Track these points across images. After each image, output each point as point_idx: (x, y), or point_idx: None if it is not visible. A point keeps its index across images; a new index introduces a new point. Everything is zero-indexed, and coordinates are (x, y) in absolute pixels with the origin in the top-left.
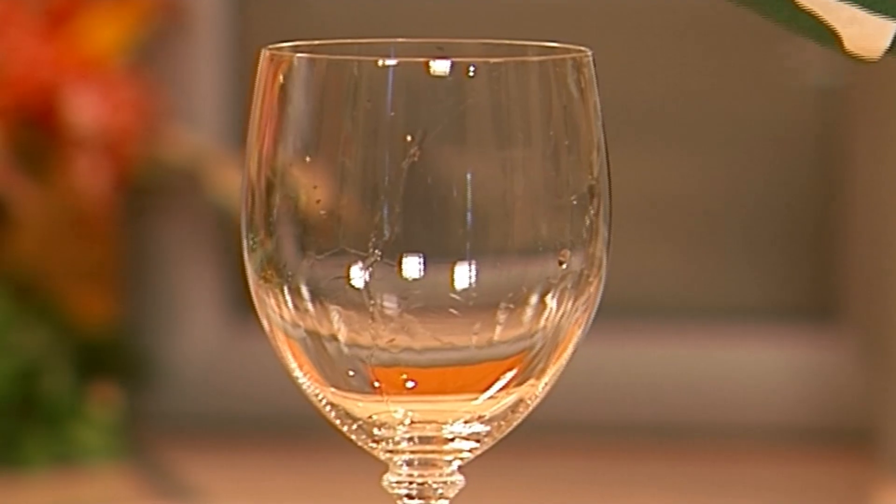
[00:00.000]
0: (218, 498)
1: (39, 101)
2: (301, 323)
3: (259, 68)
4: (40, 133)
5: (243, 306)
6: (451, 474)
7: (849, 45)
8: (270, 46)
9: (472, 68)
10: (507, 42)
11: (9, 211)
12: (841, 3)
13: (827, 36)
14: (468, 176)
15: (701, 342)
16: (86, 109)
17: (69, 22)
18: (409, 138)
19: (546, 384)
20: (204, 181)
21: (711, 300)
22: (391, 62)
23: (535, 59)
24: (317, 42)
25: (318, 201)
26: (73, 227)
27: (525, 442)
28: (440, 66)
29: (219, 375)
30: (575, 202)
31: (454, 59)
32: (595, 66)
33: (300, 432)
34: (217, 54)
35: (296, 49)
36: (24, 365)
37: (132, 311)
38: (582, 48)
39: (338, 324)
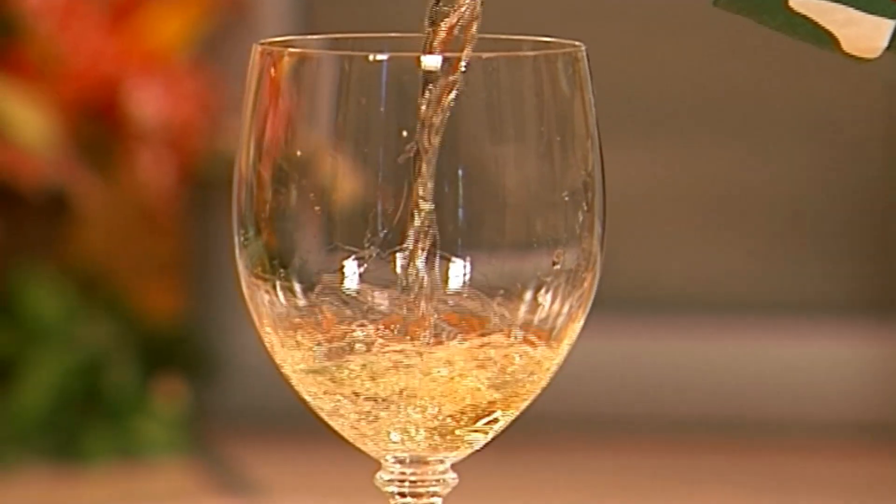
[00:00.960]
0: (281, 493)
1: (103, 95)
2: (293, 320)
3: (251, 63)
4: (103, 127)
5: None
6: (443, 472)
7: (846, 46)
8: (262, 42)
9: (463, 63)
10: (503, 37)
11: (73, 205)
12: (835, 6)
13: (824, 39)
14: (460, 171)
15: (767, 338)
16: (149, 103)
17: (133, 16)
18: (404, 133)
19: (543, 382)
20: None
21: (777, 296)
22: (382, 57)
23: (528, 54)
24: (311, 37)
25: (311, 195)
26: (137, 221)
27: (577, 437)
28: (431, 62)
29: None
30: (568, 198)
31: (446, 55)
32: (589, 60)
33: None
34: None
35: (288, 44)
36: (89, 359)
37: (197, 306)
38: (576, 43)
39: (331, 321)
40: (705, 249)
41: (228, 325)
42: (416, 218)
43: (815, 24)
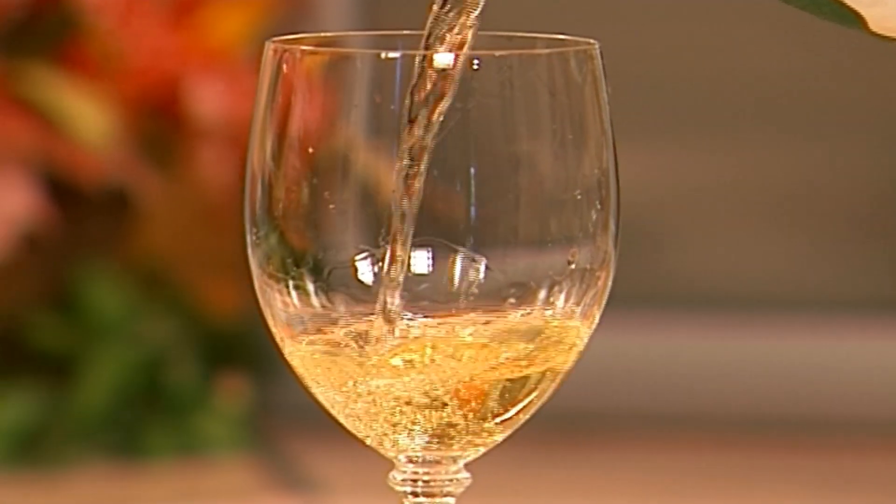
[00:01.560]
0: (342, 490)
1: (164, 92)
2: (306, 319)
3: (263, 60)
4: (164, 124)
5: None
6: (456, 472)
7: (873, 25)
8: (275, 39)
9: (476, 61)
10: (518, 34)
11: (134, 202)
12: None
13: (850, 18)
14: (472, 170)
15: (829, 335)
16: (210, 100)
17: (194, 12)
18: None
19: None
20: None
21: (840, 294)
22: (395, 55)
23: (541, 52)
24: (324, 34)
25: (325, 193)
26: (199, 217)
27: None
28: (444, 60)
29: None
30: (582, 196)
31: (458, 52)
32: (602, 58)
33: None
34: None
35: (300, 41)
36: (151, 356)
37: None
38: (590, 40)
39: (344, 320)
40: (767, 247)
41: None
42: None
43: (841, 4)
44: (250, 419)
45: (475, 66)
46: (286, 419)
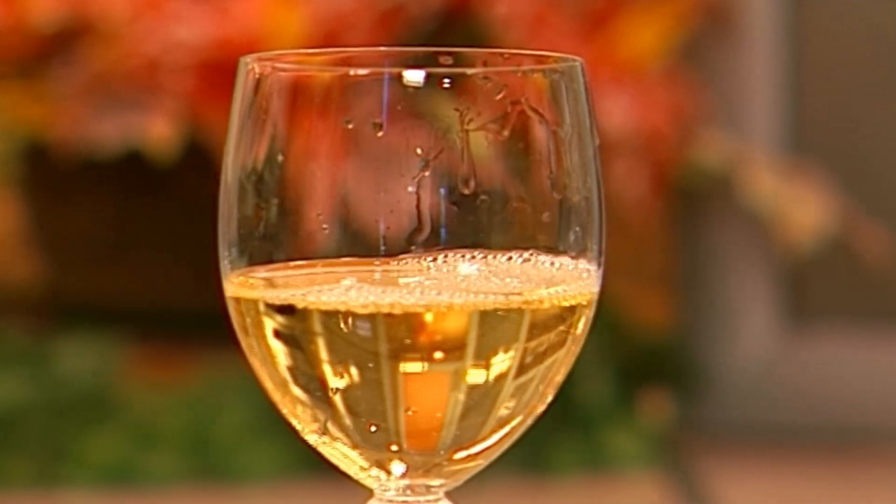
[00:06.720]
0: None
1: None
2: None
3: (236, 77)
4: None
5: (797, 313)
6: (436, 500)
7: None
8: (251, 56)
9: (446, 80)
10: (508, 51)
11: None
12: None
13: None
14: (441, 191)
15: None
16: (619, 112)
17: (607, 24)
18: (418, 151)
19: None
20: (737, 185)
21: None
22: (363, 72)
23: (524, 68)
24: (304, 51)
25: (318, 215)
26: (615, 230)
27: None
28: (413, 77)
29: (770, 384)
30: (564, 216)
31: (429, 70)
32: (585, 76)
33: (852, 445)
34: (766, 58)
35: (277, 59)
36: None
37: (682, 318)
38: (575, 58)
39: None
40: None
41: (716, 337)
42: None
43: None
44: (665, 437)
45: (445, 84)
46: (703, 437)
